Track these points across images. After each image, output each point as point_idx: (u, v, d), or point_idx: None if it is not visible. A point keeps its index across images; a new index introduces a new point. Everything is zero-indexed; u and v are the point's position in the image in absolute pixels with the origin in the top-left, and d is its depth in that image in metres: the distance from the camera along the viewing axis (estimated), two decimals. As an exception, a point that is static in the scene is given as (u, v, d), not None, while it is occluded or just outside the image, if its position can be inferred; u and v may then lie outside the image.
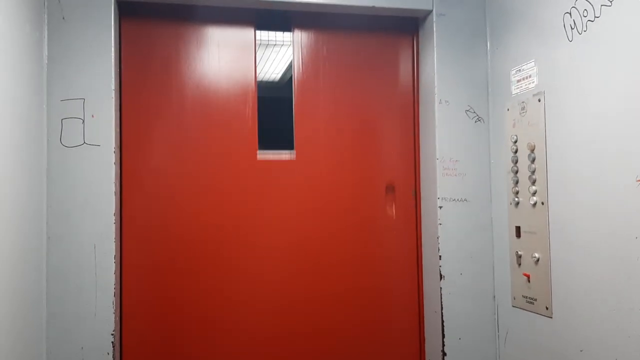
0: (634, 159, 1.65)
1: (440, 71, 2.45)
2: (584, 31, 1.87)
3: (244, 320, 2.41)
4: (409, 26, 2.62)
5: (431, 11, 2.46)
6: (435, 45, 2.45)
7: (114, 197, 2.14)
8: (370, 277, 2.54)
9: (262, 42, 2.51)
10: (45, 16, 2.12)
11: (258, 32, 2.50)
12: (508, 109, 2.32)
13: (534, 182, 2.14)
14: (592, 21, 1.84)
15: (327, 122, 2.53)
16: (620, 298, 1.71)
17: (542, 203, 2.09)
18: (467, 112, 2.45)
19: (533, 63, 2.16)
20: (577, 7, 1.90)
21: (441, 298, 2.39)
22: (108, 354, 2.11)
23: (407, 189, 2.59)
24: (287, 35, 2.53)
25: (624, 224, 1.69)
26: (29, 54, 1.93)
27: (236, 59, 2.46)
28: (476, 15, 2.49)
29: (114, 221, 2.13)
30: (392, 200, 2.57)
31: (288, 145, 2.49)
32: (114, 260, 2.13)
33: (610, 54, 1.76)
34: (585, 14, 1.87)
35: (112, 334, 2.11)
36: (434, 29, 2.45)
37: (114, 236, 2.13)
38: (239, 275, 2.42)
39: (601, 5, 1.79)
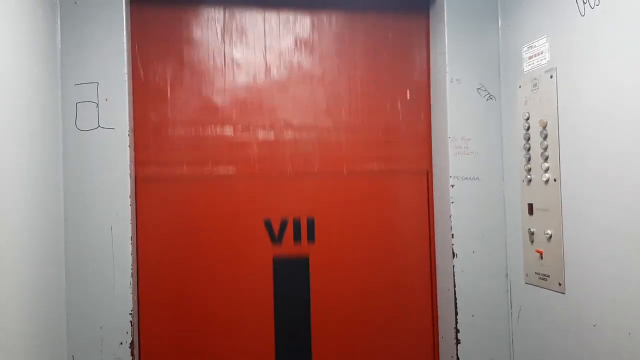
0: (648, 133, 1.65)
1: (452, 50, 2.44)
2: (597, 5, 1.86)
3: (260, 291, 2.45)
4: (421, 5, 2.60)
5: (442, -11, 2.45)
6: (446, 23, 2.44)
7: (129, 179, 2.17)
8: (383, 257, 2.56)
9: (274, 25, 2.51)
10: (58, 1, 2.13)
11: (269, 13, 2.50)
12: (520, 86, 2.31)
13: (546, 159, 2.14)
14: (605, -5, 1.82)
15: (340, 103, 2.54)
16: (633, 273, 1.72)
17: (555, 180, 2.09)
18: (479, 90, 2.45)
19: (545, 39, 2.15)
20: (589, -19, 1.89)
21: (454, 276, 2.41)
22: (127, 332, 2.15)
23: (420, 167, 2.60)
24: (299, 14, 2.53)
25: (638, 200, 1.69)
26: (42, 38, 1.95)
27: (248, 40, 2.47)
28: (488, -8, 2.48)
29: (129, 203, 2.16)
30: (405, 179, 2.58)
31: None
32: (130, 242, 2.16)
33: (622, 26, 1.75)
34: (597, -12, 1.85)
35: (130, 314, 2.16)
36: (445, 7, 2.44)
37: (130, 218, 2.16)
38: (254, 253, 2.45)
39: (614, -21, 1.78)
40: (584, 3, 1.92)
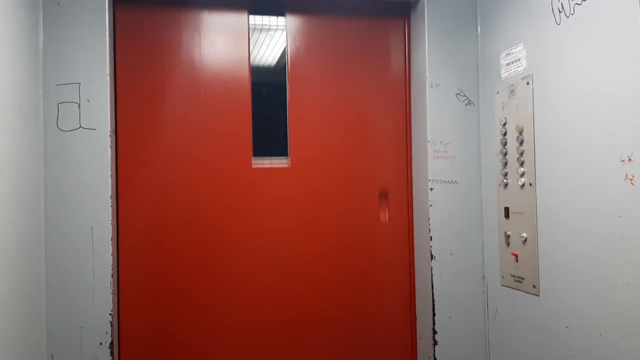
0: (618, 141, 1.70)
1: (431, 55, 2.48)
2: (572, 14, 1.91)
3: (241, 302, 2.47)
4: (401, 10, 2.64)
5: (422, -5, 2.49)
6: (426, 29, 2.48)
7: (110, 180, 2.18)
8: (362, 258, 2.59)
9: (256, 27, 2.53)
10: (40, 1, 2.13)
11: (251, 17, 2.52)
12: (498, 92, 2.35)
13: (522, 164, 2.19)
14: (579, 4, 1.87)
15: (321, 113, 2.56)
16: (605, 275, 1.77)
17: (530, 184, 2.14)
18: (458, 96, 2.49)
19: (522, 46, 2.19)
20: (565, -9, 1.93)
21: (432, 278, 2.45)
22: (107, 333, 2.16)
23: (399, 171, 2.63)
24: (280, 20, 2.55)
25: (609, 203, 1.74)
26: (24, 38, 1.95)
27: (230, 43, 2.49)
28: (467, -2, 2.53)
29: (110, 204, 2.17)
30: (386, 183, 2.62)
31: (283, 132, 2.53)
32: (110, 242, 2.17)
33: (596, 36, 1.80)
34: (572, -2, 1.90)
35: (110, 314, 2.16)
36: (425, 12, 2.48)
37: (110, 219, 2.17)
38: (236, 258, 2.46)
39: (588, -11, 1.83)
40: (560, 12, 1.97)
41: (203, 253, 2.43)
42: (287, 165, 2.52)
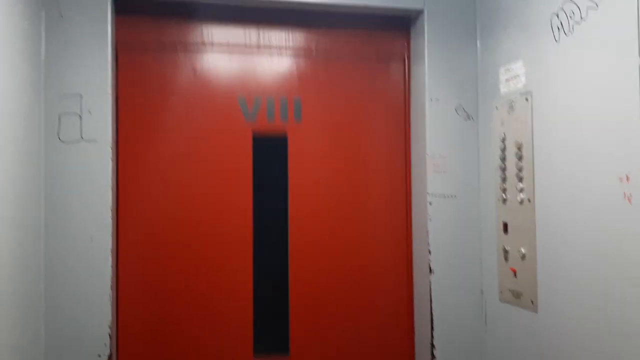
0: (615, 158, 1.71)
1: (431, 69, 2.50)
2: (571, 33, 1.93)
3: (237, 317, 2.47)
4: (401, 25, 2.66)
5: (422, 10, 2.50)
6: (426, 44, 2.50)
7: (110, 191, 2.18)
8: (360, 272, 2.59)
9: (253, 40, 2.54)
10: (43, 13, 2.15)
11: (249, 29, 2.53)
12: (497, 108, 2.37)
13: (521, 180, 2.20)
14: (579, 23, 1.89)
15: (322, 127, 2.58)
16: (604, 292, 1.77)
17: (529, 200, 2.15)
18: (457, 110, 2.51)
19: (521, 63, 2.21)
20: (565, 8, 1.95)
21: (430, 292, 2.45)
22: (105, 345, 2.15)
23: (398, 185, 2.64)
24: (281, 34, 2.57)
25: (608, 221, 1.75)
26: (26, 50, 1.97)
27: (231, 57, 2.50)
28: (467, 14, 2.54)
29: (110, 215, 2.18)
30: (385, 196, 2.63)
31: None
32: (110, 254, 2.17)
33: (594, 55, 1.81)
34: (572, 15, 1.92)
35: (109, 326, 2.16)
36: (425, 28, 2.50)
37: (110, 229, 2.18)
38: (234, 267, 2.47)
39: (587, 8, 1.84)
40: (559, 30, 1.98)
41: (203, 267, 2.43)
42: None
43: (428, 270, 2.46)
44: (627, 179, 1.66)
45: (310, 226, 2.54)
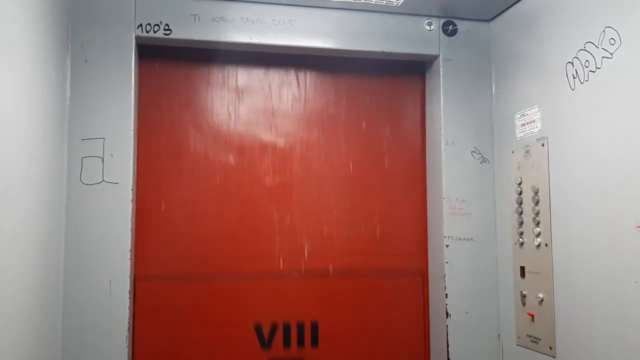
0: (634, 206, 1.71)
1: (447, 113, 2.53)
2: (586, 81, 1.96)
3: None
4: (417, 69, 2.71)
5: (438, 56, 2.55)
6: (441, 88, 2.54)
7: (130, 233, 2.21)
8: (377, 314, 2.58)
9: (274, 85, 2.60)
10: (69, 60, 2.21)
11: (270, 74, 2.59)
12: (513, 152, 2.39)
13: (538, 224, 2.20)
14: (594, 72, 1.92)
15: (339, 161, 2.61)
16: (621, 340, 1.76)
17: (546, 245, 2.15)
18: (473, 154, 2.53)
19: (537, 108, 2.24)
20: (579, 57, 1.98)
21: (447, 336, 2.43)
22: (121, 388, 2.15)
23: (417, 228, 2.65)
24: (299, 76, 2.62)
25: (624, 267, 1.75)
26: (52, 95, 2.02)
27: (249, 100, 2.55)
28: (482, 60, 2.58)
29: (129, 257, 2.19)
30: (402, 239, 2.63)
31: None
32: (128, 295, 2.18)
33: (610, 103, 1.84)
34: (587, 64, 1.95)
35: (126, 369, 2.16)
36: (441, 73, 2.54)
37: (129, 272, 2.19)
38: (249, 316, 2.47)
39: (602, 57, 1.88)
40: (574, 78, 2.01)
41: (219, 311, 2.44)
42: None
43: (445, 314, 2.44)
44: (647, 227, 1.67)
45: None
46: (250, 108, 2.55)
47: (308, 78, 2.63)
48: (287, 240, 2.53)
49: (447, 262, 2.46)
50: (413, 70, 2.71)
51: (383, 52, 2.51)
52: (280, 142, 2.57)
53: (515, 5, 2.41)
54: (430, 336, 2.60)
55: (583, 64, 1.96)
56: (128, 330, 2.18)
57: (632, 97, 1.74)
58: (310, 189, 2.57)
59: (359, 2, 2.40)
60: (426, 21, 2.53)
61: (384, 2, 2.39)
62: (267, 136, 2.55)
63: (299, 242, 2.54)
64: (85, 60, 2.23)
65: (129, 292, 2.19)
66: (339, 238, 2.58)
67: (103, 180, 2.20)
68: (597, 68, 1.90)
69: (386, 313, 2.59)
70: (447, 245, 2.47)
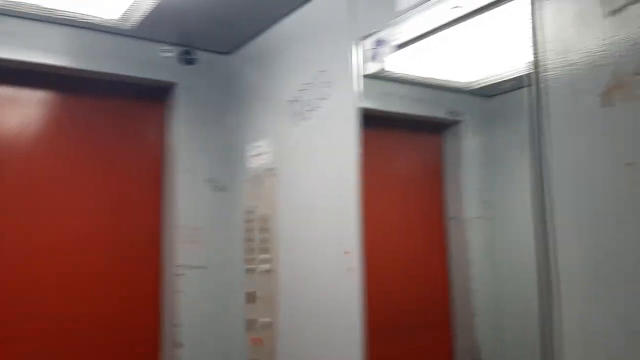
0: (343, 233, 1.88)
1: (184, 141, 2.54)
2: (304, 119, 2.12)
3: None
4: (158, 95, 2.65)
5: (176, 83, 2.55)
6: (180, 115, 2.54)
7: None
8: (105, 340, 2.43)
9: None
10: None
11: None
12: (246, 181, 2.48)
13: (266, 251, 2.30)
14: (313, 110, 2.08)
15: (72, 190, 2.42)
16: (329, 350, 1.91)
17: (273, 270, 2.25)
18: (208, 182, 2.56)
19: (267, 141, 2.36)
20: (300, 98, 2.15)
21: (173, 365, 2.40)
22: None
23: (150, 256, 2.57)
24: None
25: (335, 288, 1.91)
26: None
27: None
28: (221, 90, 2.65)
29: None
30: (135, 269, 2.53)
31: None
32: None
33: (324, 139, 2.02)
34: (307, 103, 2.11)
35: None
36: (179, 100, 2.55)
37: None
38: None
39: (320, 99, 2.04)
40: (296, 115, 2.17)
41: None
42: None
43: (176, 343, 2.40)
44: (347, 253, 1.85)
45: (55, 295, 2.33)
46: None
47: (32, 93, 2.39)
48: None
49: (180, 291, 2.43)
50: (155, 96, 2.64)
51: (117, 75, 2.42)
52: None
53: (253, 41, 2.53)
54: (160, 366, 2.53)
55: (303, 103, 2.13)
56: None
57: (340, 134, 1.92)
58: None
59: (84, 21, 2.26)
60: (162, 47, 2.51)
61: (108, 21, 2.28)
62: None
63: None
64: None
65: None
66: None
67: None
68: (316, 107, 2.07)
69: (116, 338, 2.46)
70: (181, 274, 2.44)
